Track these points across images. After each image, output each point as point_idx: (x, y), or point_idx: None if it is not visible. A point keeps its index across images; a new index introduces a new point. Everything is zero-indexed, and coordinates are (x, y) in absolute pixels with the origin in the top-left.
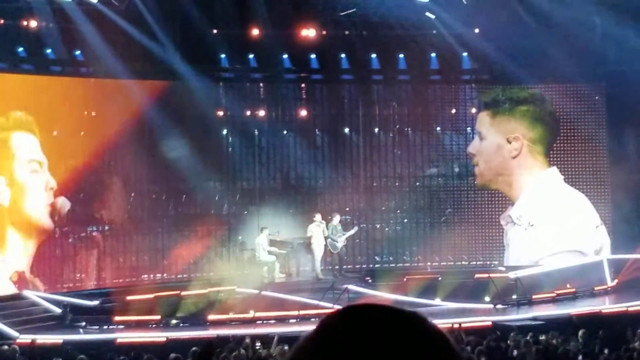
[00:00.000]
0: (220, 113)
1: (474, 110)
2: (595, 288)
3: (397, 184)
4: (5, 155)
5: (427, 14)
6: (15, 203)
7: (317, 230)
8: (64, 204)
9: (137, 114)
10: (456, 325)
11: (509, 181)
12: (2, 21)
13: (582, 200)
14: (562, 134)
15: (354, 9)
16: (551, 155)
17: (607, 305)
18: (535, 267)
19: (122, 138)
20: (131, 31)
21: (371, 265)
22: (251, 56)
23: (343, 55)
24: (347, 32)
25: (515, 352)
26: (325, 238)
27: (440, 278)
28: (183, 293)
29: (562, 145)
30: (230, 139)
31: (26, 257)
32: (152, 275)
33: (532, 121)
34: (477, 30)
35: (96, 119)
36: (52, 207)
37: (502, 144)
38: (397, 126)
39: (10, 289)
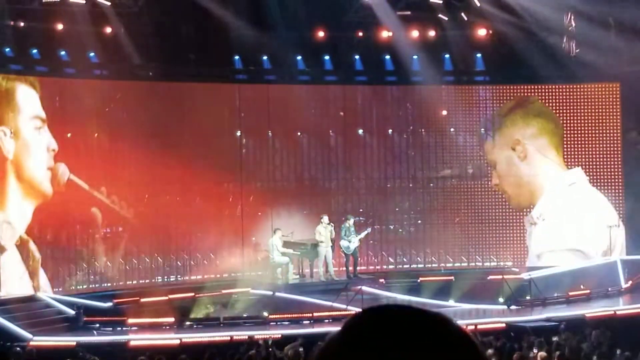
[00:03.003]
0: (234, 114)
1: (489, 111)
2: (610, 289)
3: (410, 185)
4: (11, 108)
5: (440, 15)
6: (18, 158)
7: (324, 231)
8: (64, 171)
9: (151, 114)
10: (471, 327)
11: (529, 189)
12: (12, 23)
13: (599, 201)
14: (576, 134)
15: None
16: (565, 155)
17: (621, 307)
18: (548, 268)
19: (137, 139)
20: (144, 32)
21: (385, 267)
22: (265, 57)
23: (357, 57)
24: (360, 34)
25: (529, 353)
26: (336, 239)
27: (454, 279)
28: (197, 295)
29: (576, 145)
30: (244, 140)
31: (24, 217)
32: (165, 277)
33: (523, 122)
34: (491, 31)
35: (110, 120)
36: (53, 172)
37: (509, 155)
38: (411, 127)
39: (12, 250)
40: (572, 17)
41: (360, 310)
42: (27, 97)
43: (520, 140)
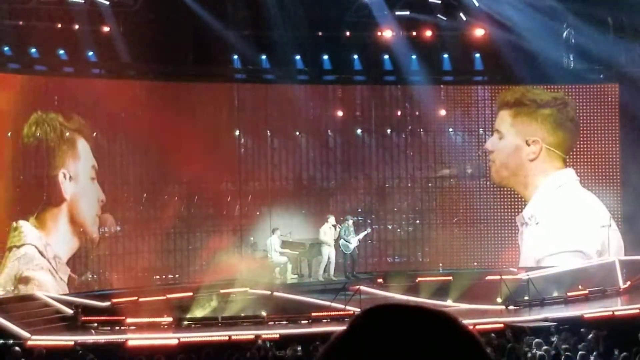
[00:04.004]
0: (233, 114)
1: (487, 111)
2: (608, 289)
3: (409, 185)
4: (72, 155)
5: (439, 15)
6: (74, 202)
7: (330, 232)
8: (113, 223)
9: (149, 114)
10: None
11: (524, 182)
12: (11, 21)
13: (591, 201)
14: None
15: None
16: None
17: (619, 307)
18: (547, 269)
19: (135, 138)
20: (143, 31)
21: (383, 267)
22: (264, 57)
23: (356, 57)
24: (359, 34)
25: (527, 354)
26: (337, 239)
27: (452, 279)
28: (195, 294)
29: (575, 146)
30: (242, 139)
31: (67, 255)
32: (164, 277)
33: (554, 126)
34: (489, 31)
35: (108, 119)
36: (102, 221)
37: (520, 145)
38: (410, 127)
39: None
40: (571, 29)
41: (365, 309)
42: (85, 149)
43: (540, 142)
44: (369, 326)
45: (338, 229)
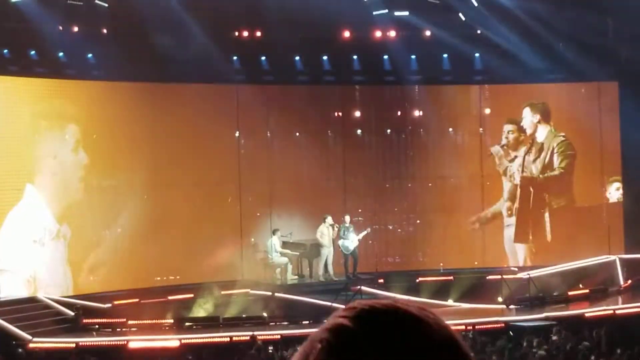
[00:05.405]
0: (233, 115)
1: (487, 111)
2: (609, 288)
3: (409, 185)
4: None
5: (438, 15)
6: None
7: (327, 232)
8: None
9: (149, 115)
10: (469, 327)
11: None
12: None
13: None
14: (574, 133)
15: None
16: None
17: (620, 306)
18: (548, 268)
19: (135, 140)
20: (143, 32)
21: (384, 267)
22: (263, 58)
23: (355, 57)
24: (358, 34)
25: (528, 353)
26: (336, 239)
27: (453, 279)
28: (196, 296)
29: (575, 144)
30: (242, 140)
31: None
32: (164, 278)
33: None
34: (488, 31)
35: (109, 121)
36: None
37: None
38: (410, 127)
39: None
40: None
41: (341, 310)
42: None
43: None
44: (346, 329)
45: (336, 228)
